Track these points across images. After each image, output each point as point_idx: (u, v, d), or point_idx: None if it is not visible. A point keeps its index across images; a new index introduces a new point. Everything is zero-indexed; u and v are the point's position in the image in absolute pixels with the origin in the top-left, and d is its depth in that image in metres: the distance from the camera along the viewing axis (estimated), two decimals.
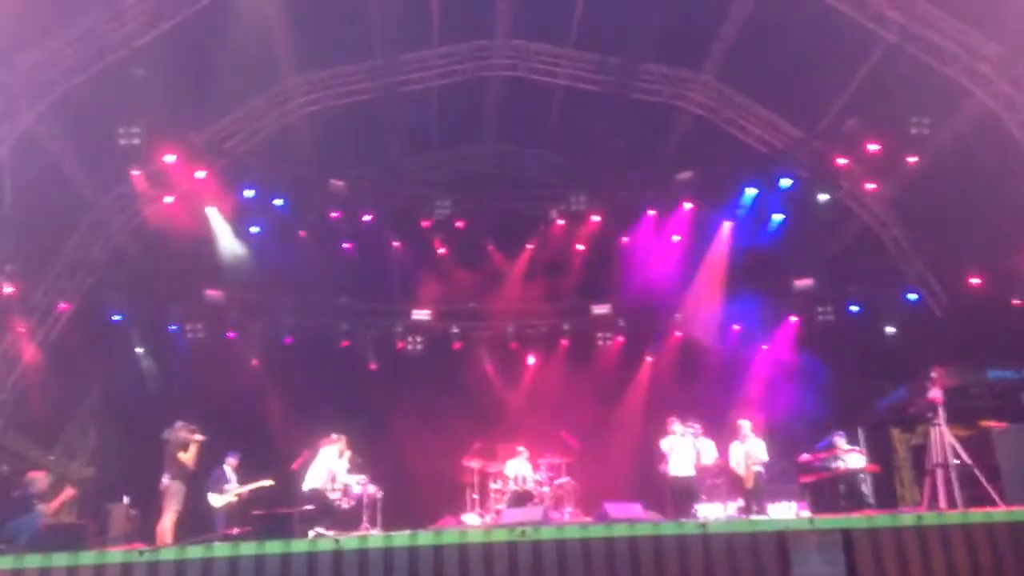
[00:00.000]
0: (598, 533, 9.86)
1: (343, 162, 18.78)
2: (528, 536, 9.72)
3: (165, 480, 12.54)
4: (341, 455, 13.71)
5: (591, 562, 9.62)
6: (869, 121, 16.81)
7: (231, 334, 18.69)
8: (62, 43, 14.51)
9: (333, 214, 18.74)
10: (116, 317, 17.64)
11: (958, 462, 11.76)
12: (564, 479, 15.56)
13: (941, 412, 12.10)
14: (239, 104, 17.43)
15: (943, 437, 11.93)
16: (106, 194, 17.09)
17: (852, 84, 16.79)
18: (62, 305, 16.73)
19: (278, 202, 17.89)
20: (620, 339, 20.53)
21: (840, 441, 14.40)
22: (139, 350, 18.50)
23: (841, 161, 17.84)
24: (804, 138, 18.49)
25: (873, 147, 16.96)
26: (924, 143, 16.32)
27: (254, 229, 17.94)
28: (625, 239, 19.80)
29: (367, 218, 18.93)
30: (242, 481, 14.15)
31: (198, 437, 12.81)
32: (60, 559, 9.16)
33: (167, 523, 12.28)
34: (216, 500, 13.78)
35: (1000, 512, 10.39)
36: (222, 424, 14.03)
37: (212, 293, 18.25)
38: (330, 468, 13.42)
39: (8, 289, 15.53)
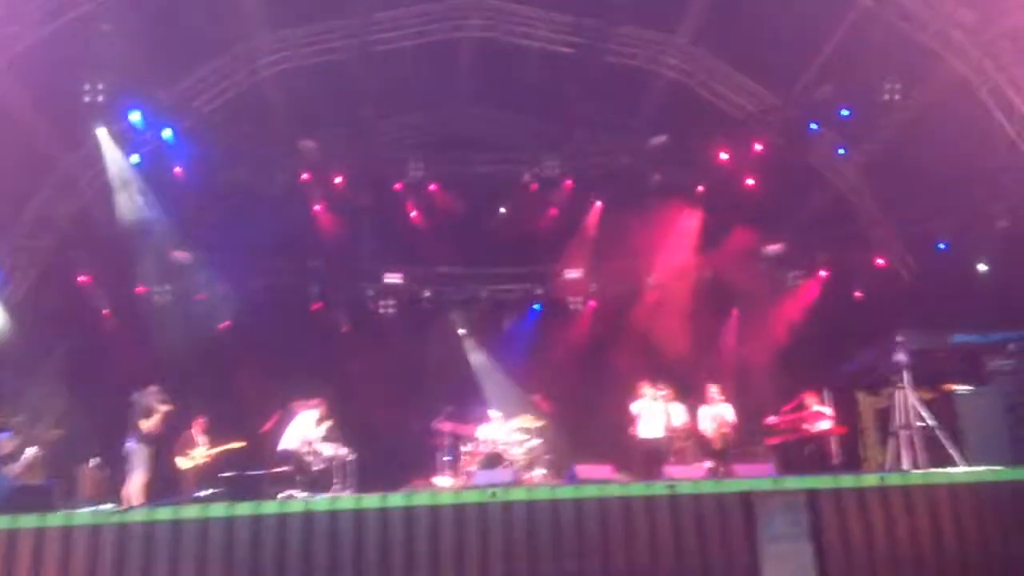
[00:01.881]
0: (568, 494, 9.96)
1: (314, 123, 18.52)
2: (498, 497, 9.79)
3: (129, 444, 12.50)
4: (319, 422, 13.72)
5: (560, 522, 9.72)
6: (842, 87, 16.83)
7: (200, 296, 18.50)
8: None
9: (303, 175, 18.52)
10: (82, 277, 17.38)
11: (922, 424, 11.97)
12: (535, 442, 15.64)
13: (906, 375, 12.29)
14: (207, 62, 17.12)
15: (908, 400, 12.13)
16: (71, 152, 16.79)
17: (826, 50, 16.79)
18: (26, 265, 16.49)
19: (246, 162, 17.65)
20: (592, 303, 20.58)
21: (810, 400, 14.58)
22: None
23: (813, 127, 17.88)
24: (777, 104, 18.51)
25: (845, 113, 17.00)
26: (896, 109, 16.38)
27: (222, 189, 17.68)
28: (598, 203, 19.76)
29: (338, 180, 18.74)
30: (211, 443, 14.13)
31: (164, 407, 12.78)
32: (28, 520, 9.10)
33: (135, 486, 12.26)
34: (184, 462, 13.76)
35: (961, 472, 10.61)
36: (191, 386, 13.97)
37: (180, 254, 18.03)
38: (304, 435, 13.43)
39: None
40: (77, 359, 17.47)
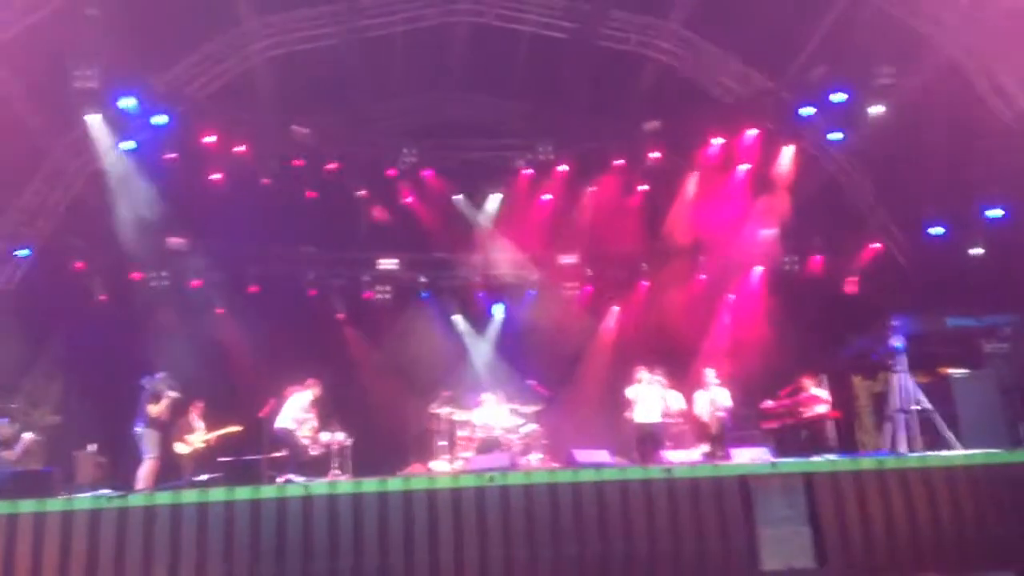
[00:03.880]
0: (565, 478, 10.01)
1: (307, 109, 18.43)
2: (496, 482, 9.84)
3: (138, 428, 12.53)
4: (312, 402, 13.72)
5: (558, 506, 9.78)
6: (834, 71, 16.82)
7: (195, 282, 18.46)
8: None
9: (297, 162, 18.44)
10: (77, 264, 17.35)
11: (918, 408, 12.04)
12: (532, 427, 15.67)
13: (902, 359, 12.35)
14: (198, 48, 17.03)
15: (903, 384, 12.18)
16: (63, 139, 16.70)
17: (818, 33, 16.78)
18: (22, 252, 16.45)
19: (240, 149, 17.55)
20: (588, 288, 20.59)
21: (806, 384, 14.65)
22: None
23: (806, 111, 17.88)
24: (770, 88, 18.48)
25: (838, 97, 16.98)
26: (888, 93, 16.36)
27: (215, 176, 17.57)
28: (592, 188, 19.75)
29: (332, 166, 18.67)
30: (208, 428, 14.14)
31: (172, 394, 12.83)
32: (27, 506, 9.12)
33: (145, 470, 12.30)
34: (182, 447, 13.77)
35: (957, 456, 10.69)
36: (188, 371, 13.96)
37: (174, 240, 17.97)
38: (297, 415, 13.45)
39: None
40: (74, 345, 17.45)
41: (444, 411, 15.66)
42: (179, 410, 13.73)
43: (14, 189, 16.36)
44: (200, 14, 15.75)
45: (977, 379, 13.17)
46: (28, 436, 12.72)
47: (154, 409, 12.55)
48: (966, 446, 11.60)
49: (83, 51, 14.53)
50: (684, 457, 14.45)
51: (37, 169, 16.64)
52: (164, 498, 9.41)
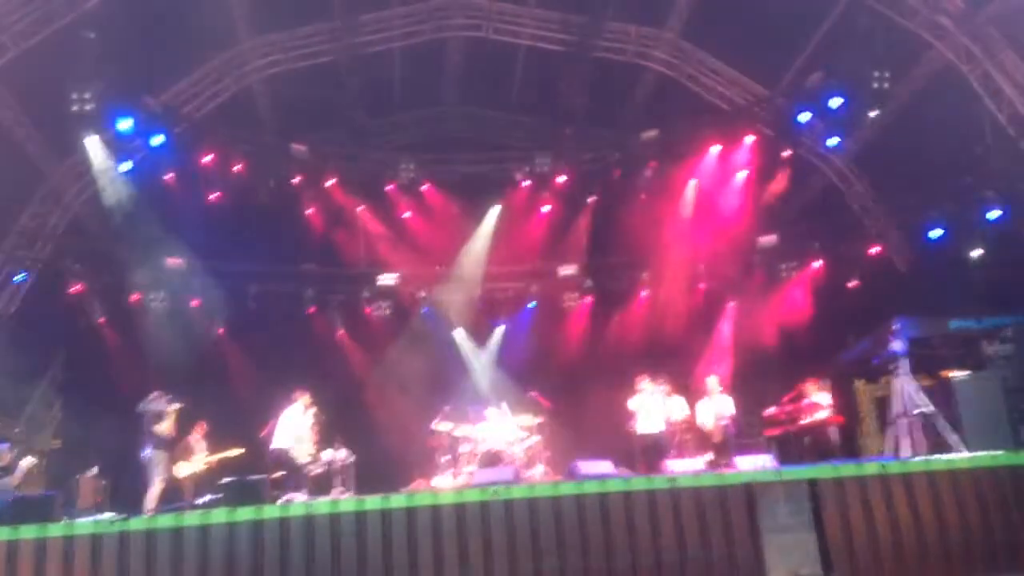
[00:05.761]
0: (569, 491, 9.97)
1: (305, 126, 18.49)
2: (500, 496, 9.80)
3: (146, 452, 12.47)
4: (305, 412, 13.63)
5: (562, 519, 9.74)
6: (831, 76, 16.84)
7: (195, 302, 18.43)
8: (10, 7, 14.13)
9: (295, 179, 18.44)
10: (76, 287, 17.34)
11: (920, 412, 11.99)
12: (535, 439, 15.61)
13: (903, 363, 12.31)
14: (196, 67, 17.10)
15: (906, 387, 12.15)
16: (61, 162, 16.75)
17: (814, 39, 16.84)
18: (20, 276, 16.45)
19: (238, 168, 17.57)
20: (588, 300, 20.55)
21: (809, 389, 14.60)
22: None
23: (803, 117, 17.88)
24: (767, 95, 18.51)
25: (835, 102, 16.99)
26: (885, 97, 16.38)
27: (214, 195, 17.58)
28: (591, 199, 19.73)
29: (330, 183, 18.68)
30: (210, 449, 14.09)
31: (174, 407, 12.76)
32: (29, 531, 9.09)
33: (154, 493, 12.25)
34: (184, 469, 13.72)
35: (962, 458, 10.64)
36: (189, 393, 13.91)
37: (173, 261, 17.96)
38: (292, 430, 13.35)
39: None
40: (74, 369, 17.43)
41: (446, 426, 15.61)
42: (180, 431, 13.68)
43: (12, 213, 16.39)
44: (197, 34, 15.81)
45: (980, 381, 13.08)
46: (28, 461, 12.67)
47: (163, 427, 12.52)
48: (970, 449, 11.55)
49: (81, 74, 14.56)
50: (688, 466, 14.42)
51: (35, 192, 16.67)
52: (166, 521, 9.37)
